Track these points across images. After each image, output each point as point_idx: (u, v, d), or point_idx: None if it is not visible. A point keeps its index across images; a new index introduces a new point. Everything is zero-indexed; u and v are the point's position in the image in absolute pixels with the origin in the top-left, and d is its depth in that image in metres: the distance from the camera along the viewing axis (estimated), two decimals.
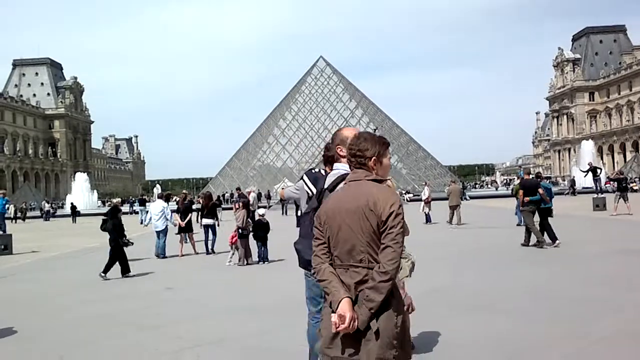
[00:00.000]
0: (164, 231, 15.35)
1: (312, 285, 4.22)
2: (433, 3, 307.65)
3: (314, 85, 67.14)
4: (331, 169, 4.13)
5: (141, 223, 24.55)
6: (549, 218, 13.98)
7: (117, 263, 11.86)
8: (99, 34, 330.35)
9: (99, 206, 64.49)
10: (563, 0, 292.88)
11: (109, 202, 31.54)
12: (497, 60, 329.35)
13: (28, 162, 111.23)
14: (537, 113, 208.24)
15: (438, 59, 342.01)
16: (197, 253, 15.45)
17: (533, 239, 13.78)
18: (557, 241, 13.49)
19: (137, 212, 39.42)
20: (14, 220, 42.18)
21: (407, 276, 5.10)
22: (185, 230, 16.02)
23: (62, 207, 61.64)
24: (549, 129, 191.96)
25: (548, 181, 29.32)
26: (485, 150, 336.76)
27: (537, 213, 14.02)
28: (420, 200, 23.93)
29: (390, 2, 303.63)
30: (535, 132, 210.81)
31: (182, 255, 15.16)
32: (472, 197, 50.60)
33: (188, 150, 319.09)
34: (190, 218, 16.29)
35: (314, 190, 4.13)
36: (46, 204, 49.67)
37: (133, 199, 66.46)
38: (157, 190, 73.50)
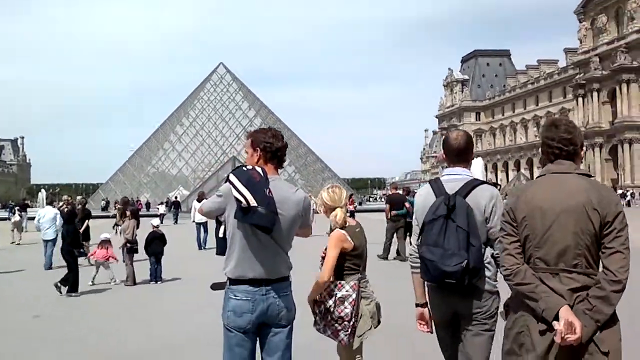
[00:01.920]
0: (54, 240, 14.11)
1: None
2: (334, 19, 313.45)
3: (213, 92, 65.72)
4: (277, 166, 3.57)
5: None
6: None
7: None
8: None
9: None
10: (456, 25, 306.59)
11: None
12: (392, 77, 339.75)
13: None
14: (425, 130, 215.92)
15: (337, 74, 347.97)
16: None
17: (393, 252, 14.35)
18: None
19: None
20: None
21: (371, 328, 4.10)
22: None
23: None
24: (436, 145, 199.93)
25: None
26: (377, 165, 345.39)
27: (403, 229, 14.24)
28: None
29: (292, 15, 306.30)
30: (424, 149, 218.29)
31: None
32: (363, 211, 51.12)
33: (78, 155, 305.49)
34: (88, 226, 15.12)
35: (251, 199, 3.22)
36: None
37: (13, 203, 62.35)
38: (42, 195, 69.47)
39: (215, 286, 3.68)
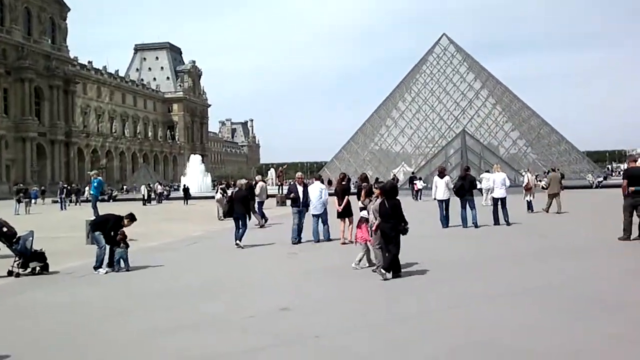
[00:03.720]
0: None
1: None
2: None
3: (436, 65, 62.51)
4: None
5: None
6: None
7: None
8: (215, 20, 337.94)
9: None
10: None
11: (220, 184, 29.14)
12: (630, 37, 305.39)
13: (148, 145, 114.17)
14: None
15: (565, 38, 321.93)
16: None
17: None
18: None
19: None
20: (146, 202, 41.54)
21: None
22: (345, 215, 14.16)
23: (177, 189, 61.18)
24: None
25: None
26: (618, 136, 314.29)
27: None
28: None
29: None
30: None
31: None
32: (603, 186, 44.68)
33: (303, 134, 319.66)
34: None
35: None
36: (159, 186, 48.86)
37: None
38: (272, 172, 72.09)
39: None
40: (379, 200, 9.51)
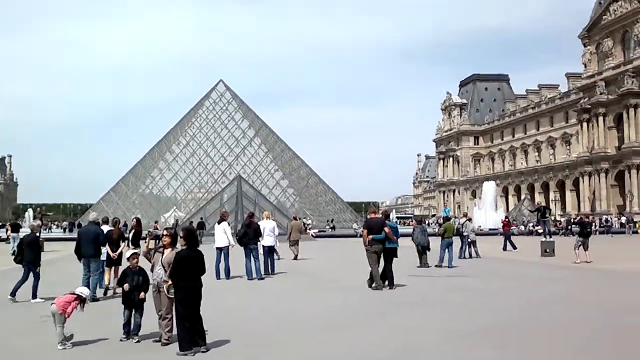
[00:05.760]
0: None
1: None
2: (330, 39, 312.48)
3: (212, 110, 63.08)
4: None
5: (13, 254, 20.23)
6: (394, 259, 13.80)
7: None
8: None
9: None
10: (452, 48, 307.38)
11: None
12: (388, 100, 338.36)
13: None
14: (418, 155, 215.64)
15: (332, 95, 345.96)
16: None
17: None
18: (393, 285, 13.44)
19: (6, 241, 33.68)
20: None
21: None
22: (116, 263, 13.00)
23: None
24: (428, 170, 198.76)
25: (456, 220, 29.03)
26: (371, 189, 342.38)
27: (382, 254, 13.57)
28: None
29: (287, 34, 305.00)
30: (416, 174, 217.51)
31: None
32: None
33: (69, 174, 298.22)
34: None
35: None
36: None
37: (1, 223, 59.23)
38: (29, 214, 66.54)
39: None
40: (173, 251, 7.81)
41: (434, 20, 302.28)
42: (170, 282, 7.46)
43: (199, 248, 7.80)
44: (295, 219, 26.48)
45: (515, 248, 26.96)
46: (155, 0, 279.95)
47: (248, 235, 16.09)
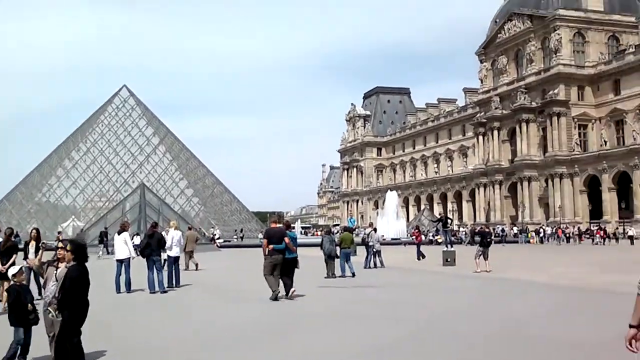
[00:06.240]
0: None
1: None
2: (239, 49, 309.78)
3: (115, 116, 61.14)
4: None
5: None
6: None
7: None
8: None
9: None
10: (358, 61, 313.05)
11: None
12: (295, 110, 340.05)
13: None
14: (323, 165, 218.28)
15: (240, 104, 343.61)
16: None
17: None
18: (292, 289, 13.55)
19: None
20: None
21: None
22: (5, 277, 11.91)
23: None
24: (333, 180, 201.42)
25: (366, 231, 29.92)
26: (277, 198, 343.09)
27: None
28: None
29: (196, 42, 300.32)
30: (321, 184, 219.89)
31: None
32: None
33: None
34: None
35: None
36: None
37: None
38: None
39: None
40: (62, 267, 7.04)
41: (341, 33, 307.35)
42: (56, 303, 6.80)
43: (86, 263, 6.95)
44: (190, 229, 25.99)
45: (423, 257, 27.87)
46: (56, 2, 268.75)
47: (151, 246, 15.49)
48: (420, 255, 28.17)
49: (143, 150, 59.92)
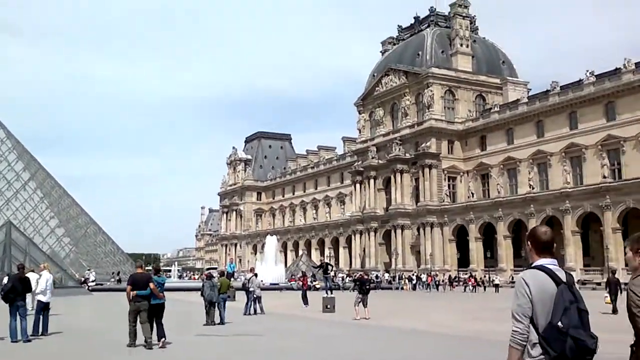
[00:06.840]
0: None
1: None
2: (125, 87, 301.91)
3: None
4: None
5: None
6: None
7: None
8: None
9: None
10: (241, 105, 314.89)
11: None
12: (175, 152, 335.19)
13: None
14: (202, 208, 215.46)
15: (121, 144, 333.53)
16: None
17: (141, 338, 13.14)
18: (163, 338, 13.38)
19: None
20: None
21: None
22: None
23: None
24: (211, 223, 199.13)
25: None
26: (153, 240, 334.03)
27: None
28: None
29: (70, 82, 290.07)
30: (199, 226, 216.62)
31: None
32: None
33: None
34: None
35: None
36: None
37: None
38: None
39: None
40: None
41: (227, 76, 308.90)
42: None
43: None
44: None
45: (307, 304, 27.79)
46: None
47: (17, 290, 14.23)
48: (305, 300, 28.37)
49: (11, 186, 56.67)
